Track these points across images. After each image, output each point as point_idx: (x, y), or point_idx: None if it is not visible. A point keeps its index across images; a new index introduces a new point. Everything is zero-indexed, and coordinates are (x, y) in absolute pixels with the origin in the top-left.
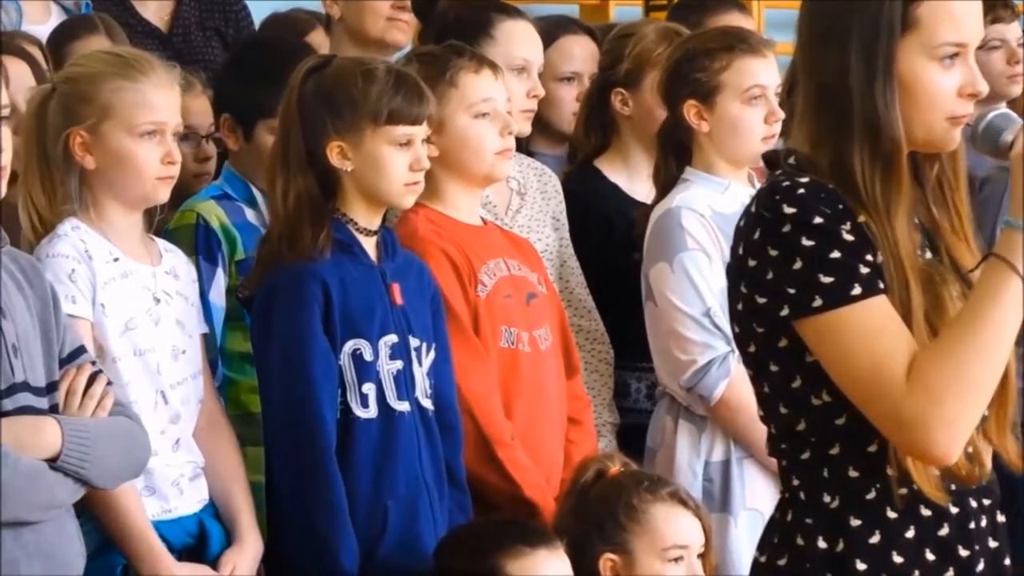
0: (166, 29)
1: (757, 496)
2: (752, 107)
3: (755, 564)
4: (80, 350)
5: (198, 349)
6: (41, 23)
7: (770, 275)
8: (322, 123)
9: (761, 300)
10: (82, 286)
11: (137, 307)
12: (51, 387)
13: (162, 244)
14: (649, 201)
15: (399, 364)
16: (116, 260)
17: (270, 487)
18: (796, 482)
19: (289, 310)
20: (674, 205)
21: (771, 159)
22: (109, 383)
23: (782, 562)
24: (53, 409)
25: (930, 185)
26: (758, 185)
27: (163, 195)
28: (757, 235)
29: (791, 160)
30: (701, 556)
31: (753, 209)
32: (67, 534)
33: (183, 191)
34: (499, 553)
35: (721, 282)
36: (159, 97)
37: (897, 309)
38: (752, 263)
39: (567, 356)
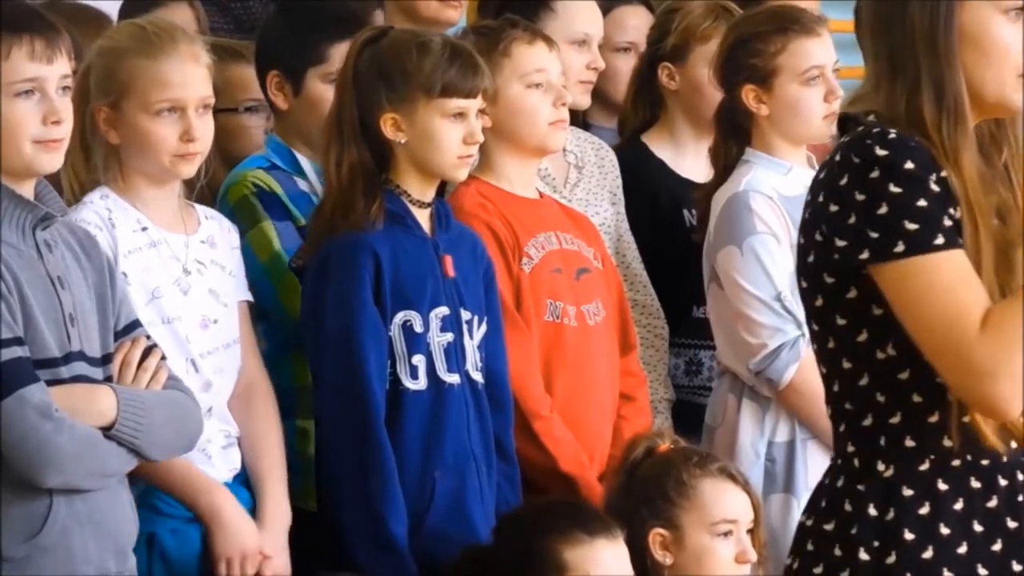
0: None
1: None
2: (811, 87)
3: (800, 527)
4: (135, 323)
5: (234, 318)
6: None
7: (852, 219)
8: (376, 95)
9: (841, 243)
10: None
11: (165, 276)
12: (106, 358)
13: (202, 211)
14: (694, 177)
15: (449, 336)
16: (144, 229)
17: (319, 455)
18: (851, 448)
19: (340, 280)
20: (742, 188)
21: (849, 120)
22: (163, 357)
23: (828, 527)
24: (107, 380)
25: (999, 169)
26: (817, 167)
27: (185, 171)
28: (844, 181)
29: (871, 119)
30: (750, 532)
31: (839, 157)
32: (120, 505)
33: None
34: (557, 538)
35: (791, 265)
36: (177, 74)
37: (970, 259)
38: (834, 208)
39: (623, 333)
